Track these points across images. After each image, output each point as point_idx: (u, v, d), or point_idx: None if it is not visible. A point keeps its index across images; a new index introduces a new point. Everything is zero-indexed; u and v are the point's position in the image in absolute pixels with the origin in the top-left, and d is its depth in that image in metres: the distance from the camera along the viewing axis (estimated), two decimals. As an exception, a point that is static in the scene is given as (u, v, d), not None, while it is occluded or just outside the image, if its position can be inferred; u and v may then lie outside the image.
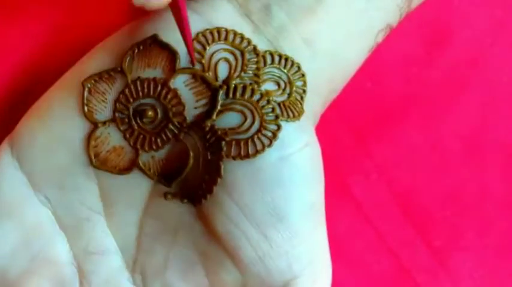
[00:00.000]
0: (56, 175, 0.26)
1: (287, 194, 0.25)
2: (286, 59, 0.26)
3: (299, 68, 0.26)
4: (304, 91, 0.26)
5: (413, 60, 0.35)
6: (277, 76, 0.26)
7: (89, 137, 0.25)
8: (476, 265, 0.34)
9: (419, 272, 0.34)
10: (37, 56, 0.30)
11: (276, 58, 0.26)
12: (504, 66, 0.35)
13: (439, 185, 0.34)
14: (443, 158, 0.34)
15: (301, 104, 0.26)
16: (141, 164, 0.26)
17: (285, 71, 0.26)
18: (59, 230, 0.26)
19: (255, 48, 0.26)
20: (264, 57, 0.26)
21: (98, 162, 0.26)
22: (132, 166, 0.26)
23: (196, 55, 0.25)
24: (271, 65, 0.26)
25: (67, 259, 0.26)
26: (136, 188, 0.26)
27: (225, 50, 0.26)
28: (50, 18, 0.30)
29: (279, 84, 0.26)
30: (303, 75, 0.26)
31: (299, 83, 0.26)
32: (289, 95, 0.26)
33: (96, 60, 0.26)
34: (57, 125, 0.26)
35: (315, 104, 0.27)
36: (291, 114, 0.26)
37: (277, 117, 0.25)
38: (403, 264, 0.34)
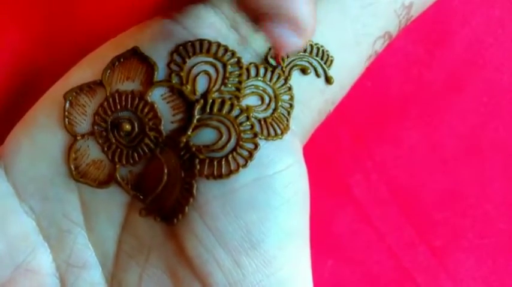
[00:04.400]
0: (40, 186, 0.26)
1: (262, 219, 0.23)
2: (272, 72, 0.25)
3: (286, 80, 0.25)
4: (291, 106, 0.25)
5: (413, 60, 0.35)
6: (261, 90, 0.25)
7: (69, 150, 0.25)
8: (476, 265, 0.34)
9: (419, 272, 0.34)
10: (36, 57, 0.30)
11: (261, 70, 0.25)
12: (504, 66, 0.35)
13: (439, 185, 0.34)
14: (443, 158, 0.34)
15: (287, 120, 0.25)
16: (118, 178, 0.25)
17: (271, 84, 0.25)
18: (42, 241, 0.26)
19: (238, 61, 0.25)
20: (248, 69, 0.24)
21: (78, 175, 0.25)
22: (110, 179, 0.25)
23: (175, 68, 0.24)
24: (255, 78, 0.25)
25: (50, 270, 0.26)
26: (116, 202, 0.25)
27: (206, 62, 0.25)
28: (49, 18, 0.30)
29: (262, 99, 0.25)
30: (290, 88, 0.25)
31: (285, 97, 0.25)
32: (274, 110, 0.24)
33: (80, 73, 0.26)
34: (41, 136, 0.26)
35: (305, 119, 0.26)
36: (272, 132, 0.24)
37: (255, 135, 0.24)
38: (403, 264, 0.34)
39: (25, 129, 0.26)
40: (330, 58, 0.26)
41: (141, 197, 0.25)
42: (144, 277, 0.25)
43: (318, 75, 0.26)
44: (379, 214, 0.34)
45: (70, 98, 0.25)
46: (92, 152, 0.25)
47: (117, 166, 0.25)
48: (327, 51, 0.26)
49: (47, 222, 0.26)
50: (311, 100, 0.26)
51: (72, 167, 0.25)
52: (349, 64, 0.27)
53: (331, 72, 0.26)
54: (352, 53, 0.27)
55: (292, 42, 0.25)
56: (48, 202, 0.26)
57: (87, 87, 0.25)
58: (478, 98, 0.35)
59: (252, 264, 0.23)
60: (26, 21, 0.30)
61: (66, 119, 0.25)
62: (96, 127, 0.25)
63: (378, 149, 0.34)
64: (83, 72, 0.26)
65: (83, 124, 0.25)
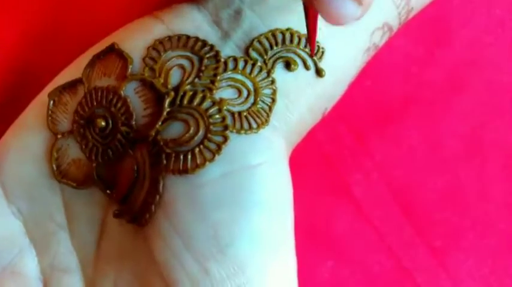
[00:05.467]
0: (27, 187, 0.25)
1: (231, 219, 0.21)
2: (253, 65, 0.24)
3: (268, 73, 0.24)
4: (273, 100, 0.24)
5: (413, 60, 0.35)
6: (239, 83, 0.24)
7: (51, 149, 0.25)
8: (476, 265, 0.34)
9: (419, 272, 0.34)
10: (34, 57, 0.30)
11: (241, 63, 0.24)
12: (504, 66, 0.35)
13: (439, 185, 0.34)
14: (443, 158, 0.34)
15: (267, 114, 0.23)
16: (95, 177, 0.24)
17: (251, 77, 0.24)
18: (29, 243, 0.25)
19: (217, 54, 0.24)
20: (226, 63, 0.24)
21: (60, 175, 0.24)
22: (88, 179, 0.24)
23: (149, 62, 0.24)
24: (233, 71, 0.24)
25: (35, 273, 0.25)
26: (96, 204, 0.24)
27: (182, 56, 0.24)
28: (48, 19, 0.30)
29: (240, 92, 0.23)
30: (273, 81, 0.24)
31: (267, 91, 0.24)
32: (253, 103, 0.23)
33: (68, 76, 0.26)
34: (28, 137, 0.25)
35: (291, 114, 0.24)
36: (246, 125, 0.23)
37: (225, 128, 0.23)
38: (403, 264, 0.34)
39: (14, 132, 0.26)
40: (320, 49, 0.25)
41: (115, 197, 0.24)
42: (119, 283, 0.24)
43: (307, 67, 0.24)
44: (379, 214, 0.34)
45: (54, 97, 0.25)
46: (71, 151, 0.25)
47: (94, 164, 0.24)
48: (317, 41, 0.24)
49: (33, 224, 0.25)
50: (299, 94, 0.24)
51: (54, 166, 0.25)
52: (344, 56, 0.25)
53: (322, 65, 0.24)
54: (347, 44, 0.25)
55: (349, 11, 0.20)
56: (34, 203, 0.25)
57: (69, 86, 0.25)
58: (478, 98, 0.35)
59: (221, 272, 0.21)
60: (24, 21, 0.30)
61: (50, 118, 0.25)
62: (75, 125, 0.24)
63: (378, 149, 0.34)
64: (70, 75, 0.26)
65: (64, 123, 0.25)
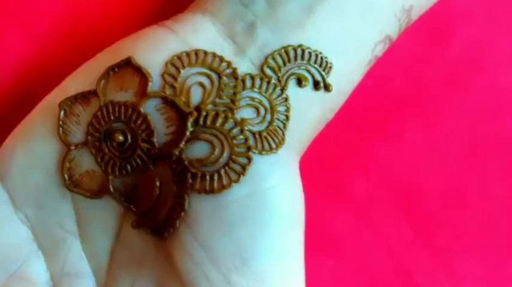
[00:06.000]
0: (35, 194, 0.25)
1: (253, 235, 0.23)
2: (268, 82, 0.24)
3: (282, 91, 0.24)
4: (287, 117, 0.24)
5: (413, 60, 0.35)
6: (257, 101, 0.24)
7: (63, 159, 0.25)
8: (476, 265, 0.34)
9: (419, 272, 0.34)
10: (39, 58, 0.30)
11: (257, 82, 0.24)
12: (504, 66, 0.35)
13: (439, 185, 0.34)
14: (444, 158, 0.34)
15: (282, 133, 0.24)
16: (112, 189, 0.24)
17: (267, 95, 0.24)
18: (37, 250, 0.26)
19: (234, 71, 0.24)
20: (243, 80, 0.24)
21: (72, 184, 0.25)
22: (103, 190, 0.25)
23: (169, 79, 0.24)
24: (251, 89, 0.24)
25: (44, 279, 0.25)
26: (109, 213, 0.25)
27: (201, 73, 0.24)
28: (52, 19, 0.30)
29: (258, 111, 0.24)
30: (286, 99, 0.24)
31: (281, 109, 0.24)
32: (270, 122, 0.24)
33: (75, 82, 0.26)
34: (35, 145, 0.25)
35: (302, 130, 0.25)
36: (267, 146, 0.24)
37: (249, 149, 0.23)
38: (403, 264, 0.34)
39: (20, 138, 0.26)
40: (328, 65, 0.25)
41: (134, 209, 0.24)
42: None
43: (316, 83, 0.25)
44: (379, 214, 0.34)
45: (65, 107, 0.25)
46: (85, 162, 0.25)
47: (110, 177, 0.25)
48: (325, 57, 0.25)
49: (41, 231, 0.25)
50: (309, 109, 0.25)
51: (66, 176, 0.25)
52: (349, 70, 0.26)
53: (329, 80, 0.25)
54: (351, 58, 0.26)
55: None
56: (42, 210, 0.25)
57: (82, 97, 0.25)
58: (478, 98, 0.35)
59: (243, 282, 0.23)
60: (30, 22, 0.30)
61: (61, 129, 0.25)
62: (89, 137, 0.25)
63: (378, 149, 0.34)
64: (78, 81, 0.26)
65: (77, 134, 0.25)
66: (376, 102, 0.34)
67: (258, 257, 0.23)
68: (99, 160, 0.25)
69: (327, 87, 0.25)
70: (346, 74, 0.26)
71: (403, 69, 0.34)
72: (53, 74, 0.27)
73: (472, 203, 0.34)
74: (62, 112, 0.25)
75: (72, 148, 0.25)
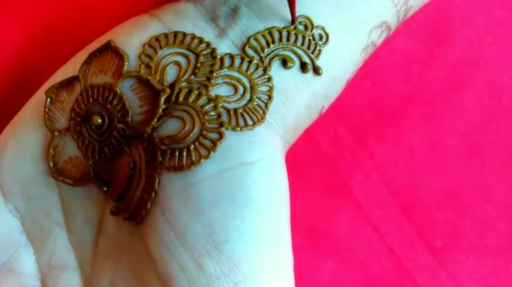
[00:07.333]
0: (24, 185, 0.25)
1: (226, 217, 0.21)
2: (250, 62, 0.24)
3: (265, 71, 0.24)
4: (270, 97, 0.23)
5: (413, 60, 0.35)
6: (235, 80, 0.23)
7: (48, 146, 0.25)
8: (476, 265, 0.34)
9: (419, 272, 0.34)
10: (36, 58, 0.30)
11: (237, 61, 0.24)
12: (504, 66, 0.35)
13: (439, 185, 0.34)
14: (443, 158, 0.34)
15: (263, 111, 0.23)
16: (92, 175, 0.24)
17: (247, 74, 0.24)
18: (26, 241, 0.25)
19: (213, 51, 0.24)
20: (222, 59, 0.24)
21: (57, 172, 0.24)
22: (85, 177, 0.24)
23: (145, 59, 0.24)
24: (230, 68, 0.24)
25: (32, 271, 0.25)
26: (92, 202, 0.24)
27: (178, 53, 0.24)
28: (50, 19, 0.30)
29: (236, 89, 0.23)
30: (269, 79, 0.24)
31: (263, 88, 0.24)
32: (249, 100, 0.23)
33: (65, 73, 0.26)
34: (24, 135, 0.25)
35: (288, 112, 0.24)
36: (242, 122, 0.23)
37: (221, 125, 0.23)
38: (403, 264, 0.34)
39: (12, 129, 0.26)
40: (318, 47, 0.25)
41: (112, 195, 0.24)
42: (115, 280, 0.24)
43: (303, 65, 0.24)
44: (379, 214, 0.34)
45: (51, 94, 0.25)
46: (68, 148, 0.25)
47: (90, 161, 0.24)
48: (314, 40, 0.24)
49: (30, 222, 0.25)
50: (296, 92, 0.24)
51: (51, 164, 0.24)
52: (342, 55, 0.25)
53: (320, 63, 0.24)
54: (344, 42, 0.25)
55: None
56: (31, 201, 0.25)
57: (66, 84, 0.25)
58: (478, 98, 0.35)
59: (217, 269, 0.21)
60: (26, 21, 0.30)
61: (46, 116, 0.25)
62: (71, 122, 0.24)
63: (378, 149, 0.34)
64: (67, 72, 0.25)
65: (61, 120, 0.25)
66: (376, 102, 0.34)
67: (231, 240, 0.21)
68: (80, 144, 0.24)
69: (316, 70, 0.25)
70: (339, 59, 0.25)
71: (403, 69, 0.34)
72: (49, 73, 0.27)
73: (472, 203, 0.34)
74: (48, 100, 0.25)
75: (56, 134, 0.24)
